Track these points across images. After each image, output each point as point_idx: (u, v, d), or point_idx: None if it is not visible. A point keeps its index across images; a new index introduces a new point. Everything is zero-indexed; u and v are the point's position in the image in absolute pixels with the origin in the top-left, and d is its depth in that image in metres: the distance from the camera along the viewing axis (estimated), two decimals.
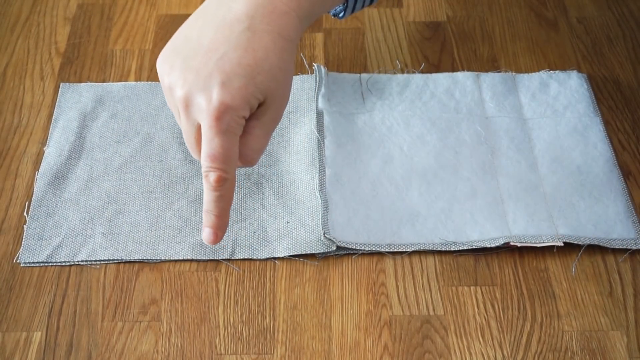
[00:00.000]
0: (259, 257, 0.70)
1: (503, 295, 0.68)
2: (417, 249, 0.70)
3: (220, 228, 0.63)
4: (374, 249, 0.70)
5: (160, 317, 0.67)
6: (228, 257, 0.70)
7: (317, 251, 0.70)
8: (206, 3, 0.63)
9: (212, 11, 0.62)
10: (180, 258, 0.70)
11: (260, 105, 0.62)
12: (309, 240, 0.70)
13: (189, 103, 0.60)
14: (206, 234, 0.63)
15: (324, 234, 0.70)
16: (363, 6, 0.72)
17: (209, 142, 0.60)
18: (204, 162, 0.61)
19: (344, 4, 0.72)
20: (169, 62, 0.62)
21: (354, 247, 0.70)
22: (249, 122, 0.62)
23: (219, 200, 0.62)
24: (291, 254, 0.70)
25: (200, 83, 0.59)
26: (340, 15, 0.73)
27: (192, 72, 0.60)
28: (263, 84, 0.60)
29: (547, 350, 0.65)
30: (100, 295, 0.68)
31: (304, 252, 0.70)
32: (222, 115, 0.59)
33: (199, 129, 0.62)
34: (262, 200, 0.73)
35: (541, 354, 0.65)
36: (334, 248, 0.70)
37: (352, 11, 0.72)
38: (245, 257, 0.70)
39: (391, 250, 0.70)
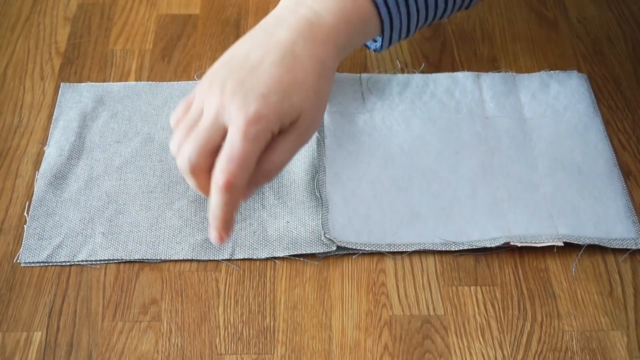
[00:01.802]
0: (259, 257, 0.70)
1: (503, 295, 0.68)
2: (418, 249, 0.70)
3: (226, 231, 0.66)
4: (374, 249, 0.70)
5: (161, 317, 0.67)
6: (228, 257, 0.70)
7: (317, 251, 0.70)
8: (253, 30, 0.69)
9: (259, 36, 0.68)
10: (180, 258, 0.70)
11: (291, 124, 0.66)
12: (309, 240, 0.70)
13: (224, 105, 0.64)
14: (213, 236, 0.67)
15: (324, 233, 0.70)
16: (400, 39, 0.76)
17: (232, 145, 0.63)
18: (220, 163, 0.63)
19: (379, 38, 0.76)
20: (217, 71, 0.66)
21: (354, 247, 0.70)
22: (275, 137, 0.66)
23: (225, 205, 0.65)
24: (291, 253, 0.70)
25: (242, 91, 0.64)
26: (378, 49, 0.77)
27: (236, 81, 0.64)
28: (297, 104, 0.64)
29: (548, 350, 0.65)
30: (100, 295, 0.68)
31: (304, 252, 0.70)
32: (255, 123, 0.62)
33: (219, 133, 0.65)
34: (262, 200, 0.73)
35: (541, 353, 0.65)
36: (334, 248, 0.70)
37: (389, 44, 0.76)
38: (246, 257, 0.70)
39: (391, 250, 0.70)
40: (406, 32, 0.75)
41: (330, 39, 0.68)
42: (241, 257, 0.70)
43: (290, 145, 0.67)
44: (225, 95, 0.64)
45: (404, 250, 0.70)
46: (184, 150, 0.65)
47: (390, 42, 0.76)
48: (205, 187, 0.68)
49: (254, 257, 0.70)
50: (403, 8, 0.72)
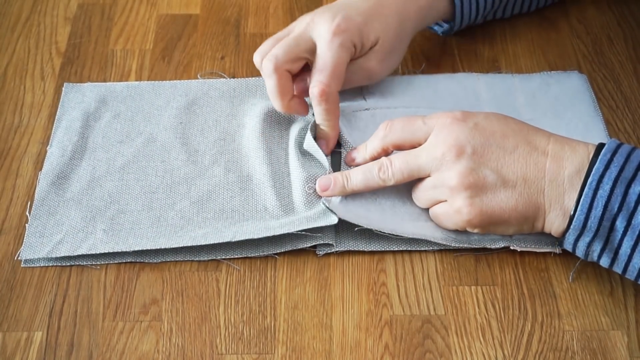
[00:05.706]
0: (260, 236, 0.69)
1: (504, 295, 0.68)
2: (419, 237, 0.69)
3: (331, 139, 0.75)
4: (375, 229, 0.69)
5: (161, 317, 0.67)
6: (230, 239, 0.69)
7: (319, 224, 0.69)
8: None
9: None
10: (181, 245, 0.69)
11: (371, 47, 0.76)
12: (310, 217, 0.70)
13: (314, 20, 0.74)
14: (321, 145, 0.75)
15: (322, 201, 0.69)
16: (470, 20, 0.85)
17: (321, 57, 0.73)
18: (314, 77, 0.73)
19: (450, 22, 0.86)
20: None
21: (356, 223, 0.69)
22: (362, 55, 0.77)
23: (326, 113, 0.73)
24: (293, 230, 0.69)
25: (331, 12, 0.75)
26: (447, 31, 0.87)
27: (327, 7, 0.76)
28: (377, 28, 0.76)
29: (548, 350, 0.65)
30: (101, 295, 0.68)
31: (306, 227, 0.69)
32: (338, 34, 0.73)
33: (307, 43, 0.74)
34: (265, 201, 0.73)
35: (542, 353, 0.65)
36: (336, 220, 0.69)
37: (460, 25, 0.85)
38: (247, 237, 0.69)
39: (394, 233, 0.69)
40: (475, 14, 0.85)
41: (413, 1, 0.79)
42: (243, 238, 0.69)
43: (379, 57, 0.77)
44: (316, 14, 0.75)
45: (406, 236, 0.69)
46: (272, 51, 0.73)
47: (461, 25, 0.85)
48: (282, 88, 0.74)
49: (256, 236, 0.69)
50: None
